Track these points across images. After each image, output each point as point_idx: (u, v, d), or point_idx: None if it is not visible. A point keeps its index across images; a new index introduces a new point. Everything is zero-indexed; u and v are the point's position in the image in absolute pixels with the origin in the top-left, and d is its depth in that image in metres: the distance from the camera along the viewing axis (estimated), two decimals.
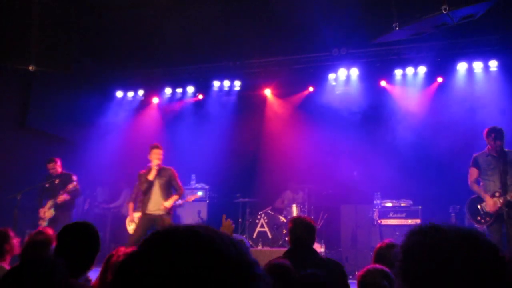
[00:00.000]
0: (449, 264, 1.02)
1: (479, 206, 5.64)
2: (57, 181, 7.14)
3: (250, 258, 0.78)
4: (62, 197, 7.00)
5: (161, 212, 6.57)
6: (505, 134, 5.60)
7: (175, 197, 6.78)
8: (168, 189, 6.74)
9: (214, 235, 0.77)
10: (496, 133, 5.54)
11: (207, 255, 0.73)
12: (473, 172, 5.76)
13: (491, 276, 1.02)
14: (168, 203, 6.62)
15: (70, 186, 7.05)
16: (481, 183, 5.74)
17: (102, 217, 9.22)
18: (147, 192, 6.65)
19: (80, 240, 2.55)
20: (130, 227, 6.90)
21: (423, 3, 5.06)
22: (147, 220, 6.58)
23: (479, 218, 5.62)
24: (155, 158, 6.70)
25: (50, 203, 7.13)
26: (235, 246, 0.77)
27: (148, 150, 6.80)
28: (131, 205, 7.06)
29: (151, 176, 6.65)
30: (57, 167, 7.27)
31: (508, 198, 5.35)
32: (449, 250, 1.04)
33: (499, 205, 5.40)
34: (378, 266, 2.57)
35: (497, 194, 5.48)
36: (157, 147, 6.79)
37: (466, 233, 1.07)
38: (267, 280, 0.78)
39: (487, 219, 5.49)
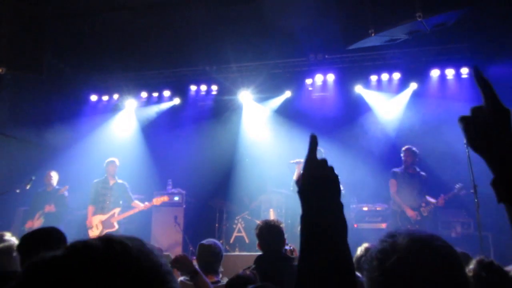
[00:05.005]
0: (399, 268, 1.07)
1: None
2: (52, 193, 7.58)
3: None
4: (49, 208, 7.41)
5: None
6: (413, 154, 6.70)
7: None
8: None
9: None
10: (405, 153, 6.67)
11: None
12: (392, 184, 6.77)
13: (440, 278, 1.06)
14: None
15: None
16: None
17: (72, 222, 8.98)
18: None
19: (44, 246, 2.41)
20: (94, 232, 7.25)
21: (398, 10, 5.15)
22: None
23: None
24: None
25: (38, 214, 7.43)
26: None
27: None
28: (90, 208, 7.42)
29: None
30: (56, 179, 7.70)
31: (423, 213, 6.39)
32: (398, 255, 1.08)
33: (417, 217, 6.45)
34: None
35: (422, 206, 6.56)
36: None
37: (418, 238, 1.11)
38: None
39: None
